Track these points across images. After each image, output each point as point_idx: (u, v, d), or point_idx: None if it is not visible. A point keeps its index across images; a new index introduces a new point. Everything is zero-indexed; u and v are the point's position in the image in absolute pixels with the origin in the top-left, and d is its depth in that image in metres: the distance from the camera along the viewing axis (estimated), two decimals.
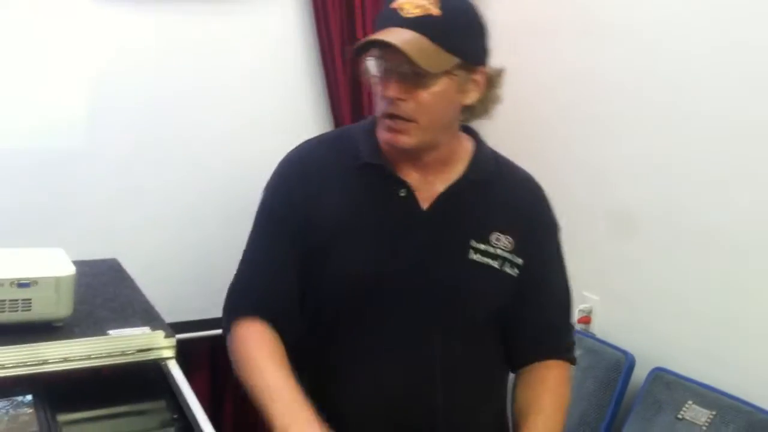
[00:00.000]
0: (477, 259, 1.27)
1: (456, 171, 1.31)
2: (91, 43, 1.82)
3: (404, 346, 1.28)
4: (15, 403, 1.09)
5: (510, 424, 1.38)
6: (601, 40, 2.03)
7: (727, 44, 1.70)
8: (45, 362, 1.13)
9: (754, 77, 1.64)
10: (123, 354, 1.17)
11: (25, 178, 1.73)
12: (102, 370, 1.16)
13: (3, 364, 1.11)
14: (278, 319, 1.27)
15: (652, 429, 1.78)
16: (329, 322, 1.31)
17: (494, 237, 1.29)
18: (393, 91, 1.19)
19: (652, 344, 1.88)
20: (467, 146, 1.34)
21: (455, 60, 1.17)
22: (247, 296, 1.28)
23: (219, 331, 1.45)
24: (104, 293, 1.31)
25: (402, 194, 1.29)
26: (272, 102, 2.12)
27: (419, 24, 1.15)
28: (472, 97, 1.25)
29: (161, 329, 1.20)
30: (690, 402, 1.74)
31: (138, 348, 1.18)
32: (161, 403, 1.14)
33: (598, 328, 2.00)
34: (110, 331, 1.19)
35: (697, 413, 1.72)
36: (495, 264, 1.28)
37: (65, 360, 1.14)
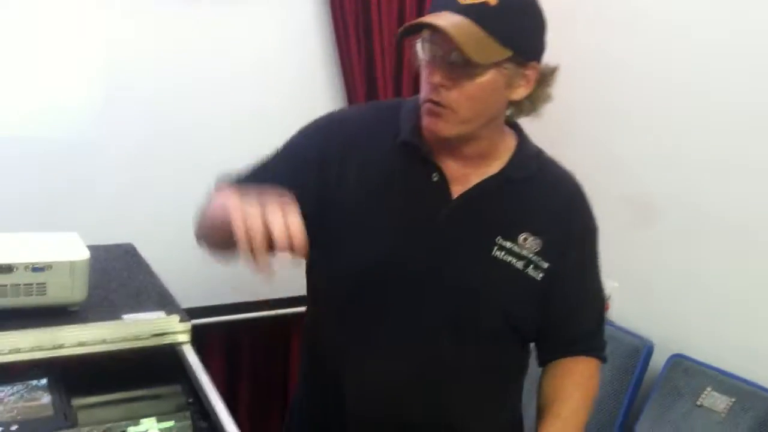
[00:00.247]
0: (500, 257, 1.25)
1: (494, 166, 1.28)
2: (107, 31, 1.82)
3: (412, 336, 1.26)
4: (30, 386, 1.09)
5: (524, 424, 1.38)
6: (621, 27, 2.01)
7: (754, 31, 1.68)
8: (60, 346, 1.13)
9: None
10: (138, 338, 1.17)
11: (42, 165, 1.74)
12: (117, 354, 1.16)
13: (19, 348, 1.11)
14: None
15: (670, 416, 1.77)
16: (340, 298, 1.29)
17: (522, 237, 1.26)
18: (438, 77, 1.16)
19: (670, 331, 1.86)
20: (510, 142, 1.31)
21: (507, 53, 1.14)
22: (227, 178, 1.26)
23: (235, 317, 1.46)
24: (119, 278, 1.31)
25: (434, 179, 1.26)
26: (288, 92, 2.11)
27: (474, 11, 1.11)
28: (520, 93, 1.21)
29: (176, 314, 1.20)
30: (709, 389, 1.73)
31: (153, 332, 1.18)
32: (176, 388, 1.13)
33: (616, 314, 1.99)
34: (125, 316, 1.18)
35: (716, 400, 1.70)
36: (518, 265, 1.25)
37: (80, 344, 1.14)
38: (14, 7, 1.72)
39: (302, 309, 1.42)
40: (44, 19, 1.76)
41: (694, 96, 1.80)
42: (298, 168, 1.28)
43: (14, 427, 1.01)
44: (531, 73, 1.19)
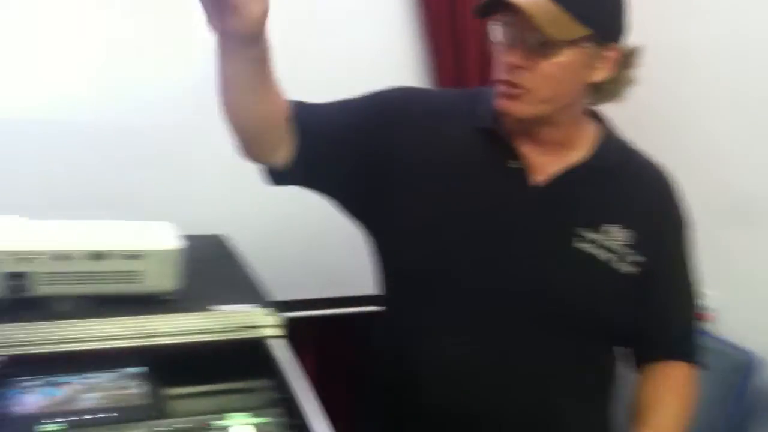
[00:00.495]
0: (581, 248, 1.20)
1: (576, 155, 1.24)
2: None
3: (486, 324, 1.22)
4: (124, 374, 1.09)
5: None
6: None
7: None
8: (152, 335, 1.13)
9: None
10: (229, 330, 1.16)
11: (138, 153, 1.75)
12: (208, 345, 1.14)
13: (113, 336, 1.11)
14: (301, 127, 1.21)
15: None
16: (414, 285, 1.26)
17: (606, 229, 1.22)
18: (513, 57, 1.13)
19: None
20: (592, 132, 1.27)
21: (585, 31, 1.10)
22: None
23: (328, 312, 1.43)
24: (212, 269, 1.30)
25: (512, 165, 1.22)
26: (377, 73, 2.08)
27: None
28: (599, 75, 1.17)
29: (268, 307, 1.18)
30: None
31: (244, 325, 1.17)
32: (267, 383, 1.12)
33: (718, 325, 1.89)
34: (217, 307, 1.17)
35: None
36: (602, 257, 1.21)
37: (172, 334, 1.13)
38: None
39: None
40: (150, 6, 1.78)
41: None
42: (355, 125, 1.25)
43: (108, 414, 1.00)
44: (611, 55, 1.15)
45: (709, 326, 1.90)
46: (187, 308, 1.17)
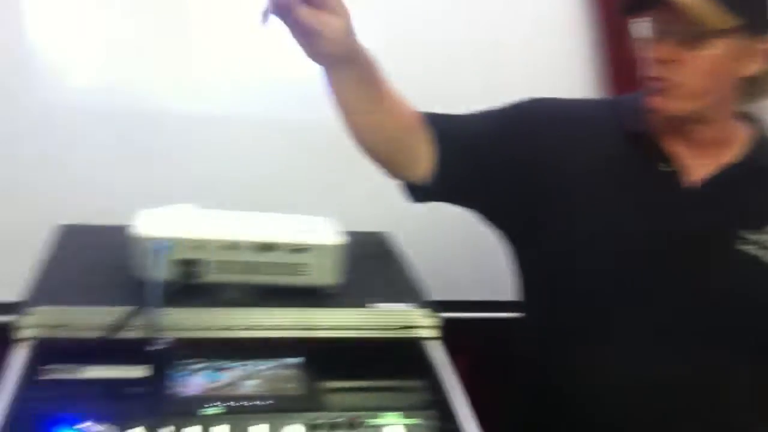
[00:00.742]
0: (745, 250, 1.16)
1: (730, 154, 1.20)
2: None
3: (646, 340, 1.18)
4: (285, 364, 1.11)
5: None
6: None
7: None
8: (312, 328, 1.15)
9: None
10: (387, 328, 1.16)
11: (303, 148, 1.79)
12: (365, 341, 1.15)
13: (276, 326, 1.14)
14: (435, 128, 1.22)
15: None
16: (573, 296, 1.24)
17: None
18: (661, 52, 1.10)
19: None
20: (745, 131, 1.22)
21: (737, 21, 1.05)
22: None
23: (488, 315, 1.40)
24: (373, 266, 1.31)
25: (663, 168, 1.19)
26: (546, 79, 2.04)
27: None
28: (751, 69, 1.12)
29: (427, 307, 1.17)
30: None
31: (402, 324, 1.16)
32: (422, 383, 1.11)
33: None
34: (376, 304, 1.17)
35: None
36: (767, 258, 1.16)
37: (331, 328, 1.15)
38: None
39: None
40: None
41: None
42: (498, 136, 1.25)
43: (265, 403, 1.03)
44: (764, 47, 1.10)
45: None
46: (347, 303, 1.18)
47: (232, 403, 1.02)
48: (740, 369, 1.20)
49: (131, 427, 0.94)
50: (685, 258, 1.17)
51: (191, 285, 1.12)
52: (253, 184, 1.97)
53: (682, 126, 1.19)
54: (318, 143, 1.80)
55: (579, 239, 1.22)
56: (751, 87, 1.17)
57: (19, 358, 1.02)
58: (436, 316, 1.16)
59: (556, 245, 1.24)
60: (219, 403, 1.01)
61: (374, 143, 1.21)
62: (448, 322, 1.18)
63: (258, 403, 1.02)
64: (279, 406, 1.02)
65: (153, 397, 1.01)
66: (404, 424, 1.01)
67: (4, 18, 1.90)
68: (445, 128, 1.24)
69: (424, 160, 1.23)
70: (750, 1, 1.08)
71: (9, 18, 1.91)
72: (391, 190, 1.72)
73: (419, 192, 1.28)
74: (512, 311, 1.40)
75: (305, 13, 1.00)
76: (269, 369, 1.09)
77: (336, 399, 1.06)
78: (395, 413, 1.03)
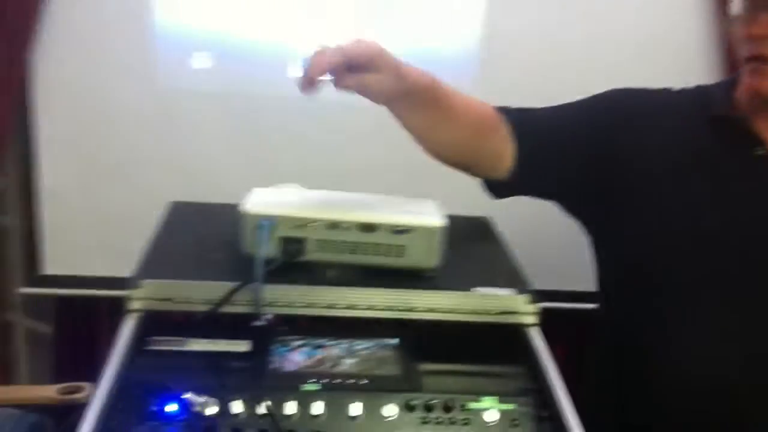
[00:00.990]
0: None
1: None
2: None
3: (741, 330, 1.18)
4: (382, 344, 1.12)
5: None
6: None
7: None
8: (411, 309, 1.15)
9: None
10: (486, 313, 1.15)
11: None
12: (463, 326, 1.14)
13: (374, 306, 1.14)
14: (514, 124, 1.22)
15: None
16: (648, 279, 1.23)
17: None
18: (760, 28, 1.07)
19: None
20: None
21: None
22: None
23: (587, 306, 1.37)
24: (473, 250, 1.30)
25: (759, 152, 1.16)
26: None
27: None
28: None
29: (527, 294, 1.15)
30: None
31: (501, 309, 1.15)
32: (518, 370, 1.09)
33: None
34: (476, 289, 1.16)
35: None
36: None
37: (430, 310, 1.15)
38: None
39: None
40: None
41: None
42: (579, 127, 1.26)
43: (362, 382, 1.04)
44: None
45: None
46: (447, 286, 1.17)
47: (329, 381, 1.03)
48: None
49: (230, 400, 0.96)
50: None
51: (294, 263, 1.14)
52: (360, 167, 1.99)
53: None
54: None
55: (667, 228, 1.20)
56: None
57: (127, 329, 1.06)
58: (536, 303, 1.14)
59: (642, 235, 1.22)
60: (316, 379, 1.02)
61: (451, 156, 1.24)
62: (544, 311, 1.16)
63: (354, 381, 1.03)
64: (375, 386, 1.03)
65: (253, 372, 1.03)
66: (500, 409, 1.00)
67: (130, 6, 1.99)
68: (523, 122, 1.24)
69: (504, 158, 1.23)
70: None
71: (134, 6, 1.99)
72: None
73: (500, 188, 1.28)
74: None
75: (347, 82, 1.03)
76: (367, 348, 1.10)
77: (432, 381, 1.05)
78: (491, 398, 1.01)
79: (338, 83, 1.04)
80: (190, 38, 2.11)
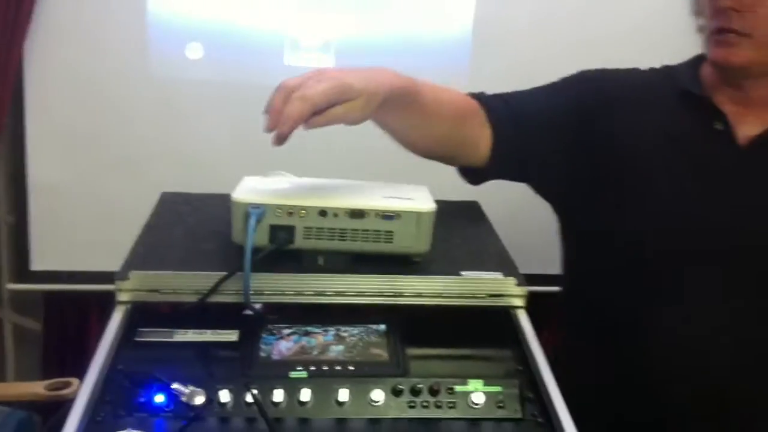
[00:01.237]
0: None
1: None
2: None
3: (708, 298, 1.21)
4: (369, 330, 1.12)
5: None
6: None
7: None
8: (400, 295, 1.15)
9: None
10: (474, 296, 1.15)
11: None
12: (451, 309, 1.15)
13: (363, 292, 1.15)
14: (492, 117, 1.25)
15: None
16: (620, 254, 1.27)
17: None
18: (726, 1, 1.11)
19: None
20: None
21: None
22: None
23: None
24: (462, 234, 1.30)
25: (718, 127, 1.21)
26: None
27: None
28: None
29: (514, 276, 1.15)
30: None
31: (489, 293, 1.15)
32: (507, 353, 1.10)
33: None
34: (464, 272, 1.16)
35: None
36: None
37: (419, 295, 1.15)
38: None
39: None
40: None
41: None
42: (554, 109, 1.29)
43: (351, 367, 1.05)
44: None
45: None
46: (436, 271, 1.17)
47: (316, 368, 1.03)
48: None
49: (218, 390, 0.97)
50: (740, 212, 1.19)
51: (283, 250, 1.14)
52: (349, 153, 1.99)
53: (741, 80, 1.20)
54: None
55: (642, 203, 1.26)
56: None
57: (115, 321, 1.07)
58: (523, 286, 1.14)
59: (619, 210, 1.25)
60: (303, 367, 1.03)
61: (430, 151, 1.27)
62: (531, 295, 1.16)
63: (342, 368, 1.04)
64: (362, 372, 1.04)
65: (241, 361, 1.04)
66: (485, 392, 1.01)
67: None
68: (499, 108, 1.27)
69: (482, 145, 1.26)
70: None
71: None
72: None
73: (477, 174, 1.30)
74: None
75: (318, 122, 1.04)
76: (356, 335, 1.11)
77: (419, 365, 1.06)
78: (477, 380, 1.02)
79: (308, 126, 1.06)
80: (184, 28, 2.11)
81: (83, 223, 2.14)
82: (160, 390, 0.95)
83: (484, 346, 1.11)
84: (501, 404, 1.00)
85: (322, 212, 1.15)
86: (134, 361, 1.01)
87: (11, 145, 2.09)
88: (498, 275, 1.16)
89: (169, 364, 1.00)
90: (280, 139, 1.05)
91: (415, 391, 1.00)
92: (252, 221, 1.11)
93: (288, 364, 1.04)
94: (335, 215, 1.15)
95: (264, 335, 1.09)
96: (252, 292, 1.08)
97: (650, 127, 1.27)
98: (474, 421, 0.99)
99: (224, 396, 0.97)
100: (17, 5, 1.94)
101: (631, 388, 1.27)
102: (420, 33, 2.20)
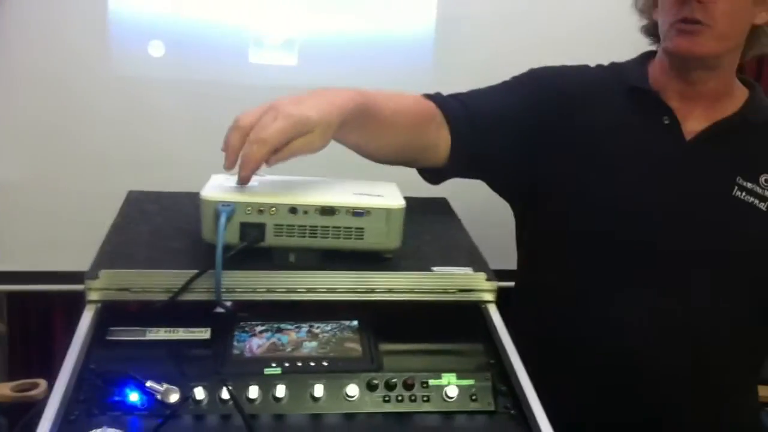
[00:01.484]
0: (741, 198, 1.23)
1: (727, 110, 1.27)
2: None
3: (651, 284, 1.25)
4: (342, 326, 1.13)
5: None
6: None
7: None
8: (372, 291, 1.16)
9: None
10: (445, 291, 1.16)
11: None
12: (423, 305, 1.16)
13: (334, 288, 1.15)
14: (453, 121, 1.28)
15: None
16: (571, 244, 1.32)
17: (764, 178, 1.24)
18: None
19: None
20: (742, 90, 1.30)
21: None
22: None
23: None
24: (431, 230, 1.31)
25: (665, 122, 1.26)
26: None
27: None
28: (762, 18, 1.21)
29: (484, 271, 1.17)
30: None
31: (460, 287, 1.17)
32: (478, 347, 1.11)
33: None
34: (434, 268, 1.18)
35: None
36: (762, 206, 1.23)
37: (390, 291, 1.16)
38: None
39: None
40: None
41: None
42: (509, 106, 1.33)
43: (324, 364, 1.05)
44: None
45: None
46: (407, 267, 1.18)
47: (290, 364, 1.04)
48: (724, 314, 1.27)
49: (192, 387, 0.97)
50: (685, 204, 1.25)
51: (254, 248, 1.14)
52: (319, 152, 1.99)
53: (694, 72, 1.25)
54: None
55: (594, 196, 1.32)
56: (756, 40, 1.26)
57: (86, 320, 1.05)
58: (493, 281, 1.16)
59: (572, 205, 1.31)
60: (277, 364, 1.03)
61: (391, 159, 1.30)
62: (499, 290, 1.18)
63: (316, 364, 1.04)
64: (336, 367, 1.04)
65: (214, 358, 1.04)
66: (458, 385, 1.02)
67: None
68: (455, 108, 1.31)
69: (441, 147, 1.30)
70: None
71: None
72: None
73: (436, 173, 1.33)
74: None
75: (278, 159, 1.07)
76: (329, 331, 1.11)
77: (393, 360, 1.07)
78: (450, 374, 1.03)
79: (269, 165, 1.09)
80: (147, 25, 2.09)
81: (45, 223, 2.11)
82: (135, 388, 0.95)
83: (455, 341, 1.12)
84: (474, 397, 1.02)
85: (293, 209, 1.15)
86: (106, 360, 1.01)
87: None
88: (468, 270, 1.18)
89: (142, 363, 1.00)
90: (244, 182, 1.10)
91: (389, 386, 1.01)
92: (222, 219, 1.10)
93: (261, 360, 1.04)
94: (305, 212, 1.15)
95: (236, 333, 1.09)
96: (223, 289, 1.08)
97: (602, 122, 1.31)
98: (448, 414, 1.00)
99: (199, 393, 0.96)
100: None
101: (567, 374, 1.30)
102: (384, 30, 2.20)
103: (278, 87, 2.02)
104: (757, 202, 1.24)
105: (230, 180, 1.23)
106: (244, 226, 1.15)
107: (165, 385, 0.96)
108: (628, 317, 1.28)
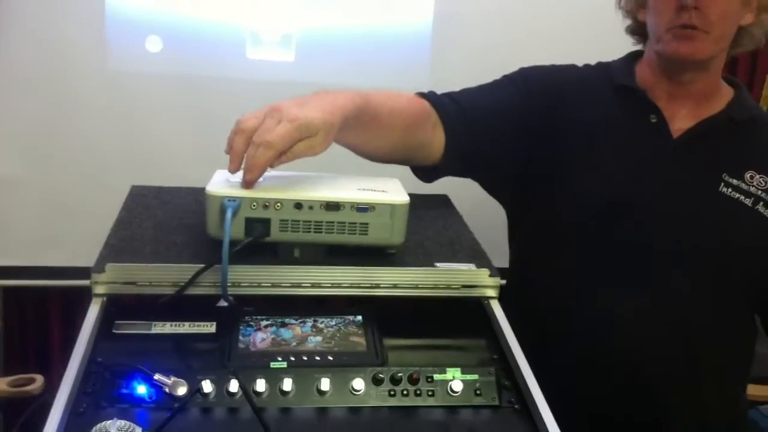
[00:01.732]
0: (728, 194, 1.25)
1: (713, 108, 1.30)
2: None
3: (640, 280, 1.27)
4: (347, 321, 1.14)
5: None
6: None
7: None
8: (376, 286, 1.16)
9: None
10: (448, 287, 1.17)
11: None
12: (427, 300, 1.17)
13: (339, 284, 1.16)
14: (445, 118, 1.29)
15: None
16: (561, 241, 1.34)
17: (749, 175, 1.26)
18: None
19: None
20: (727, 90, 1.33)
21: None
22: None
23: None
24: (434, 226, 1.32)
25: (653, 120, 1.28)
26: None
27: None
28: (748, 19, 1.24)
29: (487, 268, 1.18)
30: None
31: (463, 283, 1.17)
32: (482, 342, 1.12)
33: None
34: (438, 264, 1.18)
35: None
36: (747, 201, 1.24)
37: (395, 287, 1.17)
38: None
39: None
40: None
41: None
42: (501, 105, 1.35)
43: (330, 358, 1.06)
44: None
45: None
46: (410, 263, 1.19)
47: (296, 358, 1.04)
48: (709, 307, 1.29)
49: (200, 380, 0.97)
50: (672, 201, 1.27)
51: (259, 243, 1.15)
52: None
53: (687, 74, 1.27)
54: None
55: (584, 192, 1.31)
56: (740, 39, 1.28)
57: (92, 314, 1.06)
58: (496, 277, 1.17)
59: (561, 202, 1.33)
60: (282, 358, 1.04)
61: (387, 158, 1.32)
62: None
63: (321, 358, 1.05)
64: (341, 361, 1.05)
65: (220, 352, 1.04)
66: (463, 380, 1.03)
67: None
68: (448, 106, 1.32)
69: (435, 146, 1.31)
70: None
71: None
72: None
73: (430, 172, 1.34)
74: None
75: (282, 161, 1.08)
76: (333, 326, 1.12)
77: (398, 355, 1.08)
78: (454, 369, 1.04)
79: (274, 167, 1.10)
80: (144, 21, 2.09)
81: (42, 218, 2.11)
82: (143, 381, 0.95)
83: (459, 336, 1.13)
84: (479, 392, 1.03)
85: (298, 205, 1.15)
86: (113, 353, 1.01)
87: None
88: (471, 266, 1.18)
89: (149, 356, 1.00)
90: (249, 186, 1.10)
91: (395, 380, 1.02)
92: (229, 214, 1.11)
93: (267, 354, 1.05)
94: (311, 208, 1.16)
95: (241, 327, 1.10)
96: (229, 284, 1.08)
97: (591, 120, 1.34)
98: (453, 409, 1.01)
99: (207, 386, 0.97)
100: None
101: (567, 368, 1.32)
102: (381, 26, 2.21)
103: (275, 82, 2.04)
104: (742, 198, 1.26)
105: (235, 175, 1.23)
106: (250, 221, 1.15)
107: (173, 378, 0.96)
108: (617, 313, 1.30)
